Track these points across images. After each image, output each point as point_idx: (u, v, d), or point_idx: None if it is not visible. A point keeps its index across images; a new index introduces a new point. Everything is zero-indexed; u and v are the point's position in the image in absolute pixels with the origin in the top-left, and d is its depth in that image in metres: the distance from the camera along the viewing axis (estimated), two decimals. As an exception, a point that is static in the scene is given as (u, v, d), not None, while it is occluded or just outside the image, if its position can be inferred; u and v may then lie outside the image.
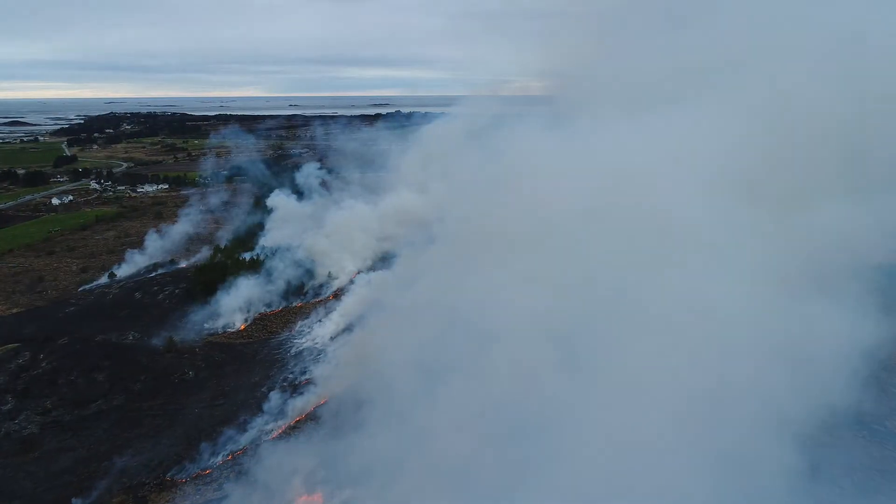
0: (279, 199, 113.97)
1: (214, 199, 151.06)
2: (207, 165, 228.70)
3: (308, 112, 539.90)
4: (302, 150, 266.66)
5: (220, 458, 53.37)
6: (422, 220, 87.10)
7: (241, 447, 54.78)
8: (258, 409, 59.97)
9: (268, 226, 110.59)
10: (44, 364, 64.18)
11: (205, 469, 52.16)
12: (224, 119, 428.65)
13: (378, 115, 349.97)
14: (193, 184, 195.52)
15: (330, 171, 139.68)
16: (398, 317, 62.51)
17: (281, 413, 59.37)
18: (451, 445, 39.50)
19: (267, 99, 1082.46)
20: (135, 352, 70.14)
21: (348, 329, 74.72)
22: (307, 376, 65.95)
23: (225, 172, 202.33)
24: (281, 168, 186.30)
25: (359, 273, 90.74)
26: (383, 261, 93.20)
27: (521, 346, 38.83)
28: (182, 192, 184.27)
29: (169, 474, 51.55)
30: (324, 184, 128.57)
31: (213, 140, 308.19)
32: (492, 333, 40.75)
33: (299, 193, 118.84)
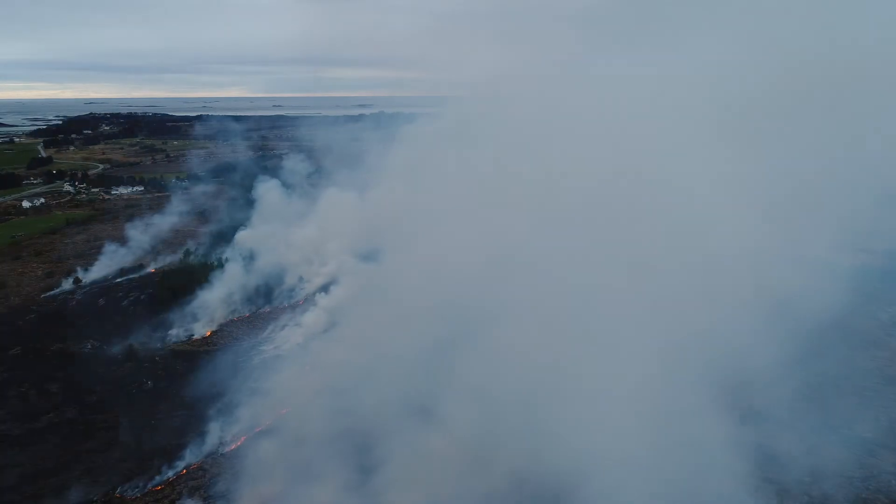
0: (264, 188, 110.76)
1: (191, 201, 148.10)
2: (186, 165, 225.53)
3: (292, 112, 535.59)
4: (284, 150, 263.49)
5: (173, 473, 51.28)
6: (399, 219, 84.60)
7: (196, 461, 52.73)
8: (217, 421, 57.85)
9: (245, 225, 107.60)
10: (-7, 375, 61.68)
11: (157, 485, 50.08)
12: (205, 119, 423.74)
13: (361, 116, 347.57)
14: (170, 185, 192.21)
15: (312, 172, 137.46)
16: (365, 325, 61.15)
17: (240, 425, 57.35)
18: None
19: (251, 99, 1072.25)
20: (92, 361, 67.75)
21: (316, 336, 72.79)
22: (270, 385, 63.84)
23: (203, 173, 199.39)
24: (263, 167, 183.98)
25: (331, 277, 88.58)
26: (360, 261, 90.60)
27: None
28: (157, 195, 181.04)
29: (119, 491, 49.40)
30: (307, 180, 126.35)
31: (194, 140, 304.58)
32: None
33: (284, 186, 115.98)
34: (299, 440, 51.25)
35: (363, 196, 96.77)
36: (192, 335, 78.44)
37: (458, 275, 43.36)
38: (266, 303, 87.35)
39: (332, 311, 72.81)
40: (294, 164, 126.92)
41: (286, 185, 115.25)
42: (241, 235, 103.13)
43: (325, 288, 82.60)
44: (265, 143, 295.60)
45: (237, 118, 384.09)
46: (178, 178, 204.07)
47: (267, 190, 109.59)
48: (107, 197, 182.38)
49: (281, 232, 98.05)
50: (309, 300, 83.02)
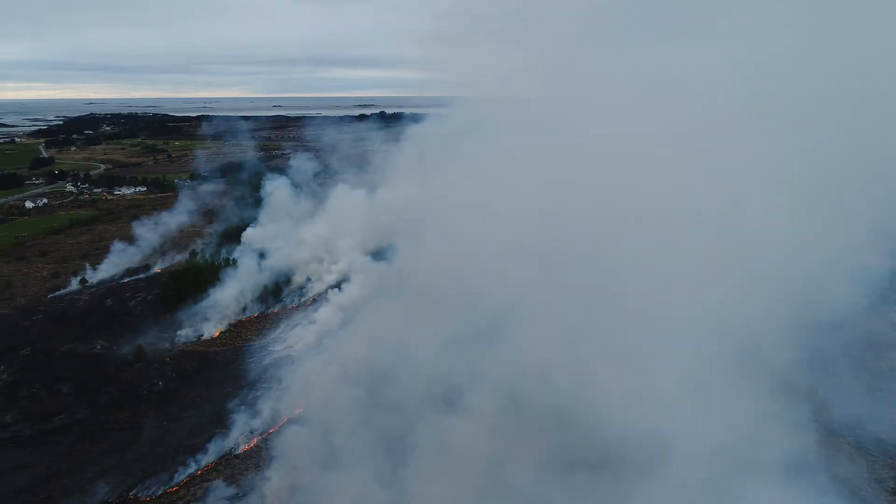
0: (271, 187, 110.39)
1: (195, 201, 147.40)
2: (189, 166, 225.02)
3: (292, 113, 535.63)
4: (287, 150, 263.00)
5: (188, 474, 50.94)
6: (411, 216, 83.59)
7: (210, 462, 52.41)
8: (229, 422, 57.56)
9: (251, 225, 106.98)
10: (4, 376, 61.36)
11: (172, 486, 49.74)
12: (206, 119, 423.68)
13: (363, 116, 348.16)
14: (174, 185, 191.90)
15: (319, 171, 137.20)
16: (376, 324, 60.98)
17: (253, 425, 57.04)
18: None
19: (251, 100, 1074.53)
20: (102, 362, 67.41)
21: (325, 335, 72.45)
22: (281, 386, 63.53)
23: (206, 173, 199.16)
24: (267, 166, 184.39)
25: (342, 275, 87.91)
26: (370, 258, 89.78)
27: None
28: (161, 195, 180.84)
29: (133, 492, 49.08)
30: (316, 179, 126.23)
31: (196, 140, 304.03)
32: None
33: (291, 185, 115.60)
34: (316, 440, 50.97)
35: (376, 193, 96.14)
36: (202, 335, 78.10)
37: (489, 264, 43.39)
38: (275, 302, 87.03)
39: (346, 309, 72.30)
40: (300, 164, 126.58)
41: (293, 184, 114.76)
42: (249, 235, 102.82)
43: (336, 286, 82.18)
44: (268, 143, 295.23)
45: (239, 118, 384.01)
46: (181, 178, 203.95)
47: (274, 188, 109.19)
48: (110, 197, 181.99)
49: (289, 231, 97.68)
50: (320, 299, 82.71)
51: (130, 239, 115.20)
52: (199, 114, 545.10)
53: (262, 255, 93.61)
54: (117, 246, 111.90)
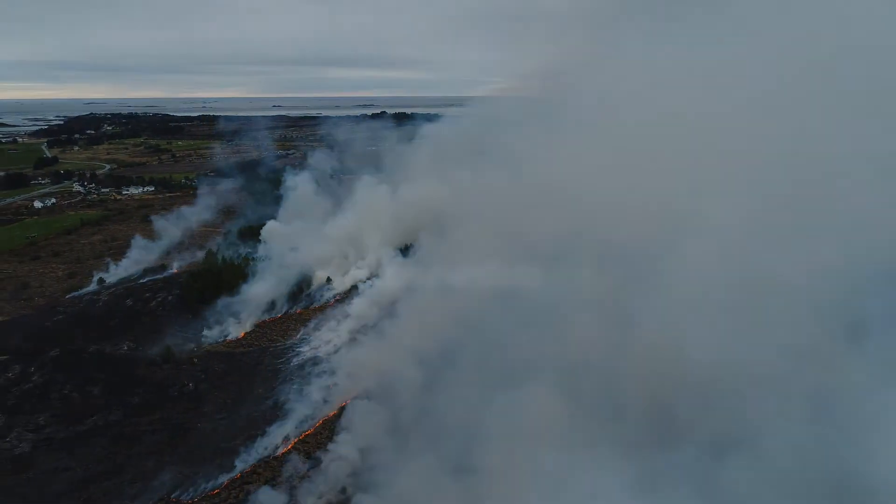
0: (290, 184, 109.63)
1: (206, 200, 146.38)
2: (194, 165, 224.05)
3: (293, 113, 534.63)
4: (291, 150, 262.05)
5: (228, 477, 50.25)
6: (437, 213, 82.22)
7: (249, 465, 51.70)
8: (264, 424, 56.91)
9: (267, 223, 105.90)
10: (35, 377, 60.53)
11: (213, 489, 49.04)
12: (212, 119, 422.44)
13: (374, 115, 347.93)
14: (181, 185, 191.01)
15: (335, 173, 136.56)
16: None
17: (289, 427, 56.35)
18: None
19: (250, 100, 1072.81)
20: (131, 363, 66.62)
21: (353, 337, 71.76)
22: (313, 387, 62.84)
23: (212, 173, 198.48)
24: (275, 165, 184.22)
25: (364, 278, 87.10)
26: (397, 255, 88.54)
27: None
28: (169, 194, 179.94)
29: (175, 495, 48.41)
30: (332, 177, 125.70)
31: (199, 140, 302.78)
32: None
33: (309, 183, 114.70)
34: (352, 441, 50.46)
35: (404, 189, 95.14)
36: (227, 336, 77.35)
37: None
38: (300, 301, 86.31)
39: (379, 305, 71.59)
40: (317, 161, 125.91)
41: (313, 180, 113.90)
42: (268, 234, 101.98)
43: (366, 280, 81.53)
44: (279, 142, 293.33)
45: (243, 118, 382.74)
46: (188, 177, 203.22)
47: (293, 186, 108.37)
48: (118, 197, 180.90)
49: (311, 228, 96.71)
50: (345, 297, 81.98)
51: (143, 239, 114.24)
52: (200, 113, 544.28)
53: (284, 253, 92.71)
54: (130, 246, 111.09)
